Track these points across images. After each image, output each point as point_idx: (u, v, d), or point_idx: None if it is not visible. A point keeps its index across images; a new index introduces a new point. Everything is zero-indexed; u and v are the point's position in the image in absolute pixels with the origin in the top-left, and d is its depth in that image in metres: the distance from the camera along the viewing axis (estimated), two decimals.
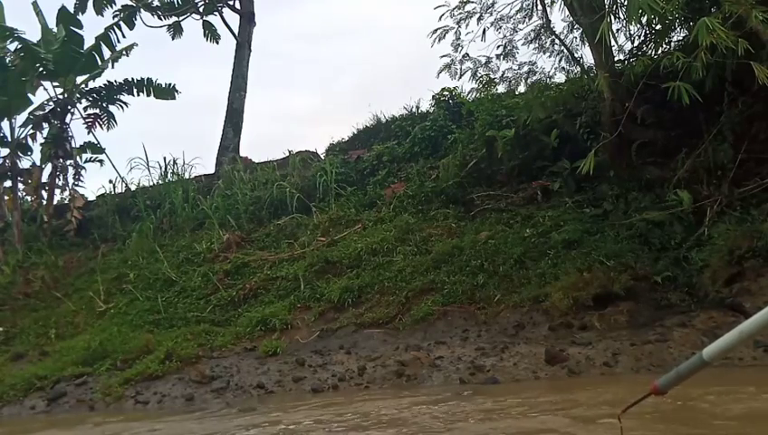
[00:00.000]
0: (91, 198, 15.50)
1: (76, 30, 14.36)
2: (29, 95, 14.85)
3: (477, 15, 10.50)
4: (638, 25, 9.02)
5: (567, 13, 10.14)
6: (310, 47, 36.82)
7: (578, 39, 10.62)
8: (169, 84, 15.80)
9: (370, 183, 12.28)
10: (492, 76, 11.11)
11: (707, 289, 7.18)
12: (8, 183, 14.93)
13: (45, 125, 15.21)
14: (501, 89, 11.29)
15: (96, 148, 15.86)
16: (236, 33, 17.21)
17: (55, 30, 14.77)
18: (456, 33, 10.57)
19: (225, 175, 14.21)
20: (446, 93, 13.28)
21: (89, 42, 14.66)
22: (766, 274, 6.92)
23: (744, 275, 7.05)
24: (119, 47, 15.21)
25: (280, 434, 5.09)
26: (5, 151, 14.98)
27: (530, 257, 8.54)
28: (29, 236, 14.41)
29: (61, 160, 15.02)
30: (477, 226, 9.75)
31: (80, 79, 15.37)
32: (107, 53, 15.01)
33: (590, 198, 9.35)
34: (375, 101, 40.00)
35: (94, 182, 30.64)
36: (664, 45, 9.15)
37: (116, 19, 15.57)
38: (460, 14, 10.45)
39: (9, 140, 14.93)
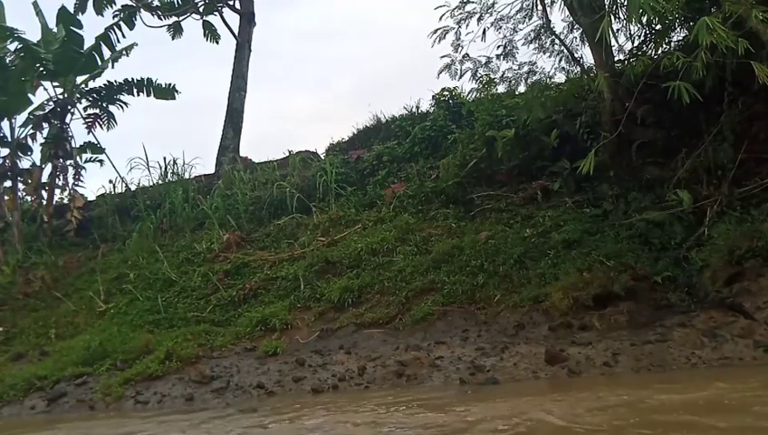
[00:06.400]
0: (91, 198, 15.54)
1: (76, 30, 14.34)
2: (29, 95, 14.84)
3: (477, 16, 10.53)
4: (638, 25, 9.02)
5: (567, 13, 10.15)
6: (309, 47, 36.91)
7: (578, 39, 10.64)
8: (169, 84, 15.81)
9: (370, 183, 12.27)
10: (492, 76, 11.13)
11: (707, 289, 7.18)
12: (8, 183, 14.92)
13: (45, 125, 15.21)
14: (501, 89, 11.30)
15: (96, 148, 15.88)
16: (236, 33, 17.23)
17: (55, 30, 14.76)
18: (456, 33, 10.60)
19: (225, 175, 14.22)
20: (446, 93, 13.29)
21: (89, 42, 14.68)
22: (766, 274, 6.93)
23: (744, 275, 7.05)
24: (119, 47, 15.23)
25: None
26: (5, 151, 15.00)
27: (530, 257, 8.54)
28: (29, 236, 14.42)
29: (61, 160, 15.02)
30: (477, 226, 9.75)
31: (80, 79, 15.37)
32: (107, 53, 15.01)
33: (590, 198, 9.36)
34: (375, 101, 39.88)
35: (94, 182, 30.62)
36: (664, 45, 9.15)
37: (116, 19, 15.59)
38: (460, 14, 10.47)
39: (9, 140, 14.92)
